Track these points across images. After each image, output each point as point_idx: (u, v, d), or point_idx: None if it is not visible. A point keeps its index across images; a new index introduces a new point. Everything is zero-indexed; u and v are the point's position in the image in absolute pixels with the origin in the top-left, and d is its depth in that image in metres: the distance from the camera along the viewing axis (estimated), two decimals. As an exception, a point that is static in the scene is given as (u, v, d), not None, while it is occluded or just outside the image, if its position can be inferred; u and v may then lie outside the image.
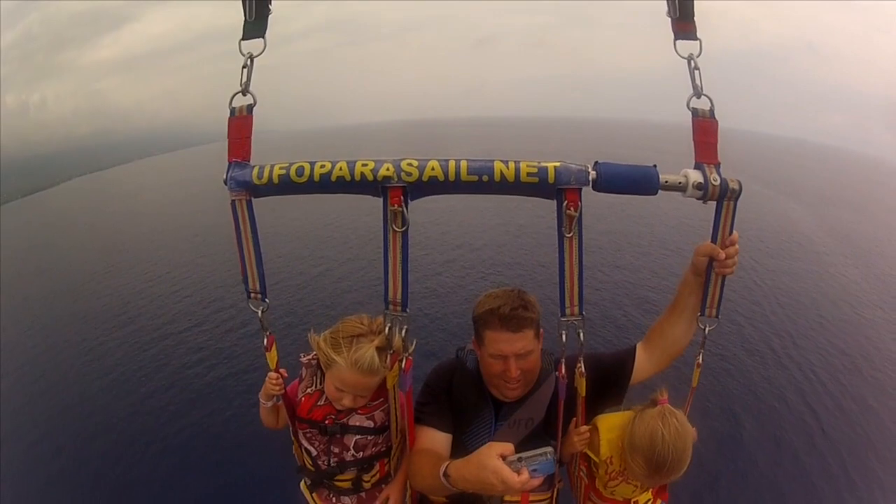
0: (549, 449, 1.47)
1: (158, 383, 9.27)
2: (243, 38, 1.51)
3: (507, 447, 1.45)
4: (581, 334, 1.62)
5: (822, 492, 6.44)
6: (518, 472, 1.39)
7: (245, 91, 1.52)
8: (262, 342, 1.72)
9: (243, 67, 1.51)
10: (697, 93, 1.54)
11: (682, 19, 1.52)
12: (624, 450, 1.78)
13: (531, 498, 1.97)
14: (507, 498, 1.95)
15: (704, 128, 1.55)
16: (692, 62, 1.54)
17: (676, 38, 1.54)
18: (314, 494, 2.12)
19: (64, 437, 7.95)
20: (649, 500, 2.03)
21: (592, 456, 1.89)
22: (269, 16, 1.53)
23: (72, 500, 6.64)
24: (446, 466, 1.60)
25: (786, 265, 14.81)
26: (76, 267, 17.94)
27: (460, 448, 1.92)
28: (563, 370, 1.72)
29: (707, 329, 1.73)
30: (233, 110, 1.53)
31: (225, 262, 14.35)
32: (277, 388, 1.82)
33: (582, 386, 1.76)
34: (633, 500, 1.99)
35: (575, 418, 1.86)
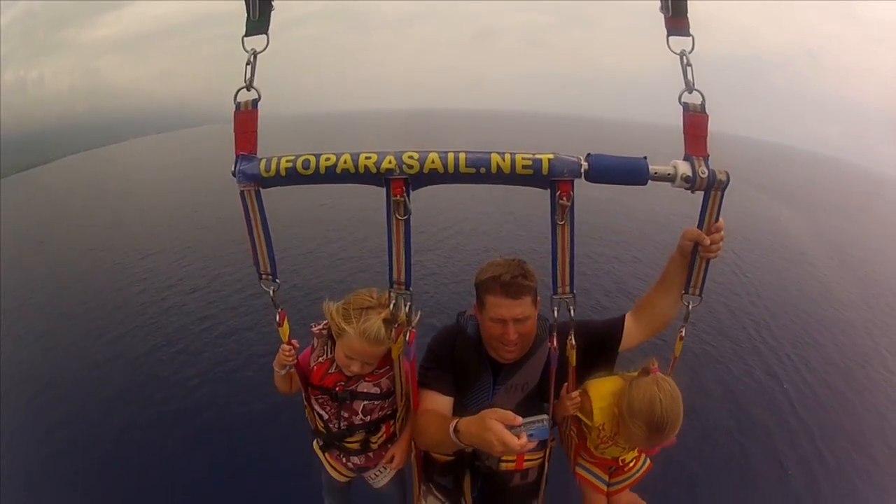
0: (546, 417, 1.61)
1: (162, 339, 9.52)
2: (246, 35, 1.54)
3: (510, 415, 1.56)
4: (572, 310, 1.75)
5: (788, 459, 6.72)
6: (518, 437, 1.51)
7: (249, 87, 1.56)
8: (275, 318, 1.82)
9: (247, 64, 1.54)
10: (689, 88, 1.58)
11: (675, 15, 1.56)
12: (616, 416, 1.94)
13: (527, 457, 2.15)
14: (504, 457, 2.12)
15: (695, 122, 1.60)
16: (684, 58, 1.57)
17: (669, 34, 1.57)
18: (326, 454, 2.32)
19: (66, 390, 8.16)
20: (634, 457, 2.25)
21: (585, 420, 2.05)
22: (272, 12, 1.55)
23: (72, 448, 6.80)
24: (456, 422, 1.74)
25: (770, 263, 15.04)
26: (75, 239, 17.96)
27: (461, 410, 2.07)
28: (555, 342, 1.84)
29: (691, 305, 1.86)
30: (238, 105, 1.58)
31: (223, 236, 14.41)
32: (290, 358, 1.95)
33: (573, 357, 1.90)
34: (620, 459, 2.20)
35: (566, 383, 2.01)
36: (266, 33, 1.56)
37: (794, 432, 7.26)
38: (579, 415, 2.06)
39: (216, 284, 11.81)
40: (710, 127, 1.60)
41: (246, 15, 1.54)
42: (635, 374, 1.97)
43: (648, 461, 2.31)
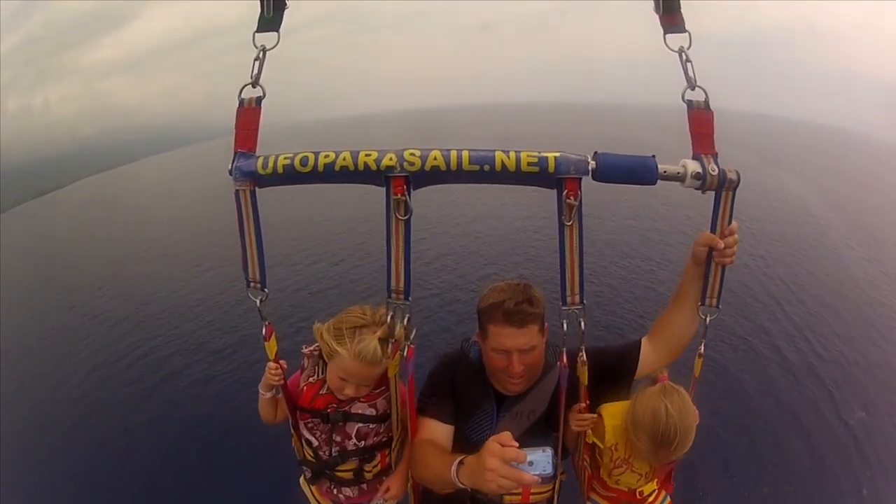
0: (549, 449, 1.43)
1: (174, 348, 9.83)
2: (258, 31, 1.53)
3: (507, 436, 1.38)
4: (582, 323, 1.63)
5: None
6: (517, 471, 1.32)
7: (255, 83, 1.54)
8: (261, 332, 1.73)
9: (255, 60, 1.52)
10: (691, 85, 1.54)
11: (669, 13, 1.53)
12: (628, 434, 1.79)
13: (533, 491, 1.97)
14: None
15: (700, 119, 1.56)
16: (683, 55, 1.54)
17: (665, 32, 1.54)
18: (314, 488, 2.12)
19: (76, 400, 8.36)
20: (654, 490, 2.02)
21: (598, 443, 1.90)
22: (286, 10, 1.55)
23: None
24: (459, 461, 1.53)
25: (782, 229, 15.72)
26: (90, 260, 18.35)
27: (463, 439, 1.93)
28: (566, 359, 1.72)
29: (708, 319, 1.73)
30: (242, 101, 1.55)
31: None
32: (277, 378, 1.83)
33: (584, 375, 1.77)
34: (637, 490, 1.98)
35: (577, 404, 1.87)
36: (278, 31, 1.54)
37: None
38: (593, 438, 1.91)
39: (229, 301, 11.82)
40: (716, 103, 1.54)
41: (259, 12, 1.53)
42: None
43: (669, 498, 2.09)
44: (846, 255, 13.71)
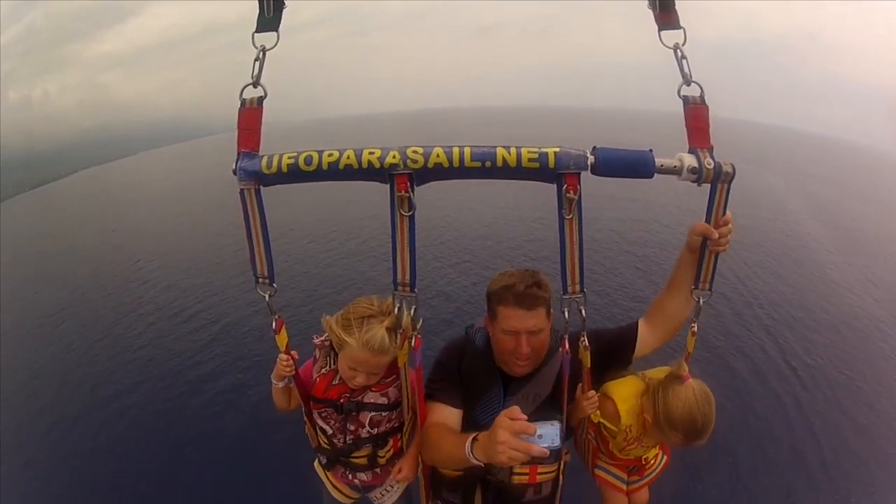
0: (556, 422, 1.49)
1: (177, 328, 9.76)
2: (257, 31, 1.55)
3: (516, 410, 1.46)
4: (583, 310, 1.70)
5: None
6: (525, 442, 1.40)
7: (256, 83, 1.56)
8: (272, 325, 1.77)
9: (255, 60, 1.54)
10: (687, 80, 1.57)
11: (664, 10, 1.56)
12: (643, 419, 1.93)
13: (540, 470, 2.07)
14: (516, 470, 2.05)
15: (696, 114, 1.59)
16: (678, 51, 1.57)
17: (660, 29, 1.57)
18: (329, 473, 2.22)
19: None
20: (657, 453, 2.24)
21: (609, 425, 2.02)
22: (284, 10, 1.56)
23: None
24: (473, 437, 1.61)
25: (763, 233, 15.40)
26: (89, 251, 18.27)
27: (471, 422, 2.00)
28: (567, 345, 1.80)
29: (701, 301, 1.82)
30: (243, 101, 1.57)
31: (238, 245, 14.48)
32: (288, 369, 1.89)
33: (587, 358, 1.85)
34: (643, 458, 2.18)
35: (581, 384, 1.96)
36: (277, 31, 1.56)
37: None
38: (601, 420, 2.01)
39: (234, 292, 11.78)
40: (715, 112, 1.58)
41: (258, 12, 1.55)
42: (657, 374, 1.95)
43: (666, 458, 2.28)
44: (820, 258, 13.69)
